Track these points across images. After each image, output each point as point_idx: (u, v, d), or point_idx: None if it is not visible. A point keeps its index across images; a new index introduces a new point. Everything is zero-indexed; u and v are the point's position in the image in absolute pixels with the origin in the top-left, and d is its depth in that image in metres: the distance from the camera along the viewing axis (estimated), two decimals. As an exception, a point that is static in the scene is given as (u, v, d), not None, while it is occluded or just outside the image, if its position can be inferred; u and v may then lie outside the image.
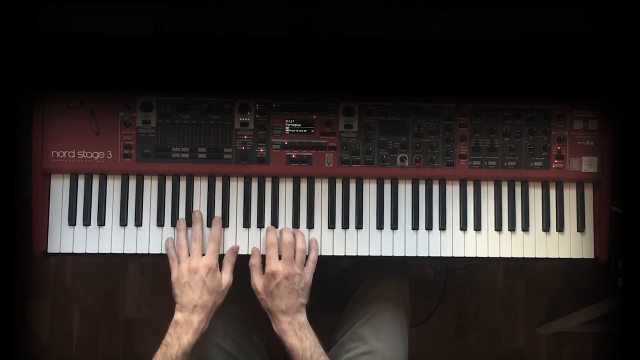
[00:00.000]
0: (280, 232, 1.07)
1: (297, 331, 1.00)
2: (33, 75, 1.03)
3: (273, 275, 1.02)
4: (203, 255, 1.04)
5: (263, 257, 1.06)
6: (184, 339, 0.98)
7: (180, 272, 1.02)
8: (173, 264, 1.04)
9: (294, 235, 1.06)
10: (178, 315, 1.00)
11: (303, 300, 1.03)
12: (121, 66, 1.05)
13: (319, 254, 1.08)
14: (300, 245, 1.05)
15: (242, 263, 1.06)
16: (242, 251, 1.08)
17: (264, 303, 1.03)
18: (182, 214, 1.08)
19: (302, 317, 1.02)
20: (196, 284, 1.01)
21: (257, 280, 1.04)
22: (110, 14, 1.03)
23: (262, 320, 1.18)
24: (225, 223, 1.08)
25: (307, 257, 1.07)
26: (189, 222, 1.07)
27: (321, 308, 1.05)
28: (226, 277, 1.04)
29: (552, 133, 1.10)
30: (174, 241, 1.07)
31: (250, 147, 1.08)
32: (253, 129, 1.08)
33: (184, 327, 0.99)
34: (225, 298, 1.03)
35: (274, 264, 1.03)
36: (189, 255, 1.04)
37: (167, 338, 0.99)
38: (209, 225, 1.07)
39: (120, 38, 1.05)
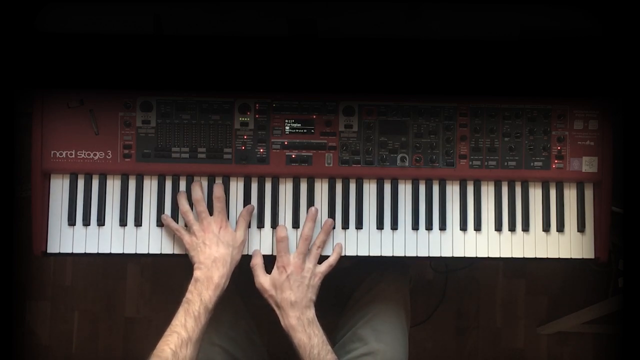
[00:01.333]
0: (304, 224, 1.06)
1: (305, 327, 0.99)
2: (32, 74, 1.02)
3: (284, 267, 1.02)
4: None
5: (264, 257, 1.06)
6: (205, 294, 0.97)
7: (192, 234, 1.03)
8: (181, 232, 1.04)
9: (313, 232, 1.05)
10: (197, 273, 0.99)
11: (312, 296, 1.02)
12: (121, 66, 1.05)
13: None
14: (317, 242, 1.05)
15: (242, 264, 1.06)
16: (243, 251, 1.07)
17: (272, 299, 1.02)
18: (181, 214, 1.08)
19: (311, 313, 1.01)
20: (211, 240, 1.01)
21: (263, 279, 1.03)
22: (109, 13, 1.03)
23: (262, 321, 1.18)
24: (225, 223, 1.08)
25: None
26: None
27: (321, 308, 1.04)
28: (240, 233, 1.04)
29: (553, 133, 1.10)
30: (169, 216, 1.07)
31: (250, 147, 1.08)
32: (253, 129, 1.08)
33: (205, 283, 0.98)
34: (224, 300, 1.01)
35: (284, 257, 1.03)
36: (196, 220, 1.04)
37: (188, 295, 0.97)
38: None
39: (120, 37, 1.05)
